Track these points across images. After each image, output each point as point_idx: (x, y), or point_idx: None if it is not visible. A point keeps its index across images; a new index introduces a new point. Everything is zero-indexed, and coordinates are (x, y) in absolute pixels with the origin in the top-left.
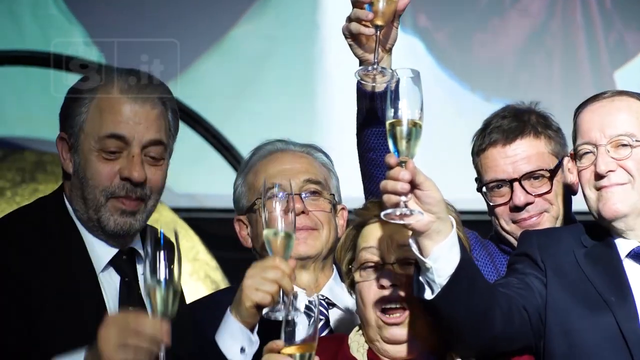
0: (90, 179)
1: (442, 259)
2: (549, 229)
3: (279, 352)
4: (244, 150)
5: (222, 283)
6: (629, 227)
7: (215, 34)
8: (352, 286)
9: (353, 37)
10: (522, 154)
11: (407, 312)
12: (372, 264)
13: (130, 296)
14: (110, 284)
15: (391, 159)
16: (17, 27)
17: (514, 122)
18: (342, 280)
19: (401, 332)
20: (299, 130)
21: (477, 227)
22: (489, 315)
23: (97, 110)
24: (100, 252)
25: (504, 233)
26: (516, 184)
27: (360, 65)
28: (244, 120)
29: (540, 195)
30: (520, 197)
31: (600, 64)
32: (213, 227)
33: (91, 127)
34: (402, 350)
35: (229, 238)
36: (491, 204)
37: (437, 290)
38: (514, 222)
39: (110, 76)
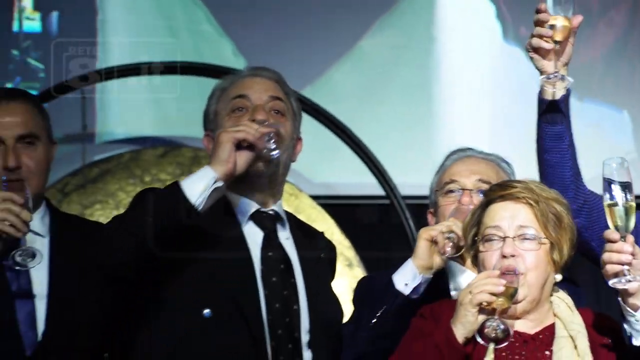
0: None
1: None
2: None
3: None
4: (371, 144)
5: (354, 260)
6: None
7: (346, 44)
8: (475, 256)
9: (535, 51)
10: None
11: (521, 276)
12: (496, 238)
13: (270, 244)
14: (256, 234)
15: (614, 234)
16: (175, 41)
17: None
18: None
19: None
20: (417, 128)
21: None
22: None
23: (225, 92)
24: (242, 209)
25: None
26: None
27: (540, 75)
28: (370, 119)
29: None
30: None
31: None
32: (345, 212)
33: (222, 105)
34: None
35: (358, 221)
36: None
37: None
38: None
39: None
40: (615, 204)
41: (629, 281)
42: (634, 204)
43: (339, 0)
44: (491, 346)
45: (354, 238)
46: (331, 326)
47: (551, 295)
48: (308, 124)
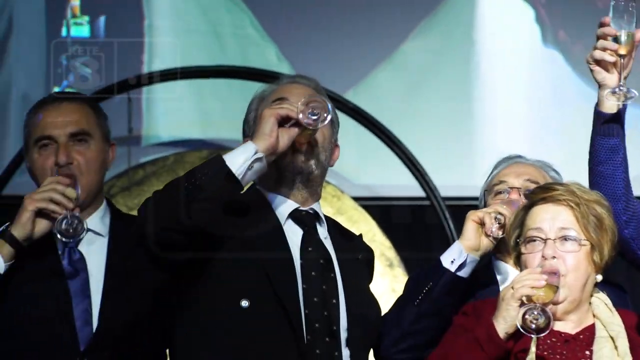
0: None
1: None
2: None
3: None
4: (412, 146)
5: (395, 260)
6: None
7: (388, 48)
8: (518, 257)
9: (597, 63)
10: None
11: (562, 277)
12: (538, 239)
13: (310, 241)
14: (295, 232)
15: None
16: (220, 45)
17: None
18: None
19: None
20: (457, 130)
21: None
22: None
23: (264, 99)
24: (281, 207)
25: None
26: None
27: (599, 88)
28: (411, 121)
29: None
30: None
31: None
32: (386, 213)
33: (262, 109)
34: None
35: (399, 221)
36: None
37: None
38: None
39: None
40: None
41: None
42: None
43: (381, 5)
44: (534, 336)
45: (394, 238)
46: (369, 325)
47: (591, 296)
48: (350, 126)
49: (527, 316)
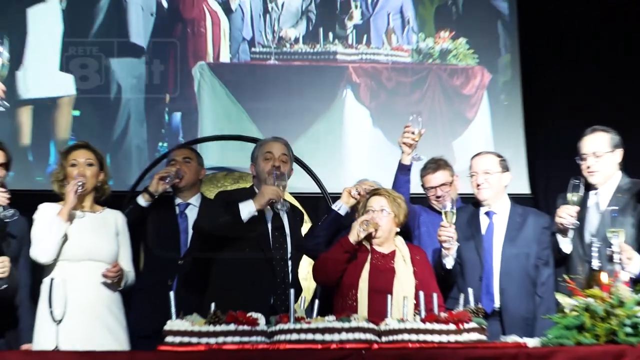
0: (262, 172)
1: (450, 258)
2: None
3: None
4: (317, 171)
5: (307, 219)
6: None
7: (306, 126)
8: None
9: (404, 144)
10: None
11: (379, 227)
12: (371, 210)
13: (276, 219)
14: (269, 212)
15: (446, 224)
16: (229, 121)
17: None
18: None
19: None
20: (334, 165)
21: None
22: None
23: (261, 146)
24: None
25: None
26: None
27: (402, 152)
28: (316, 160)
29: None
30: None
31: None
32: (305, 200)
33: (260, 152)
34: (373, 242)
35: (310, 203)
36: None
37: (449, 267)
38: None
39: (268, 139)
40: (447, 212)
41: (451, 245)
42: (455, 211)
43: (302, 110)
44: (364, 234)
45: (307, 210)
46: (300, 249)
47: (395, 237)
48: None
49: (363, 226)
